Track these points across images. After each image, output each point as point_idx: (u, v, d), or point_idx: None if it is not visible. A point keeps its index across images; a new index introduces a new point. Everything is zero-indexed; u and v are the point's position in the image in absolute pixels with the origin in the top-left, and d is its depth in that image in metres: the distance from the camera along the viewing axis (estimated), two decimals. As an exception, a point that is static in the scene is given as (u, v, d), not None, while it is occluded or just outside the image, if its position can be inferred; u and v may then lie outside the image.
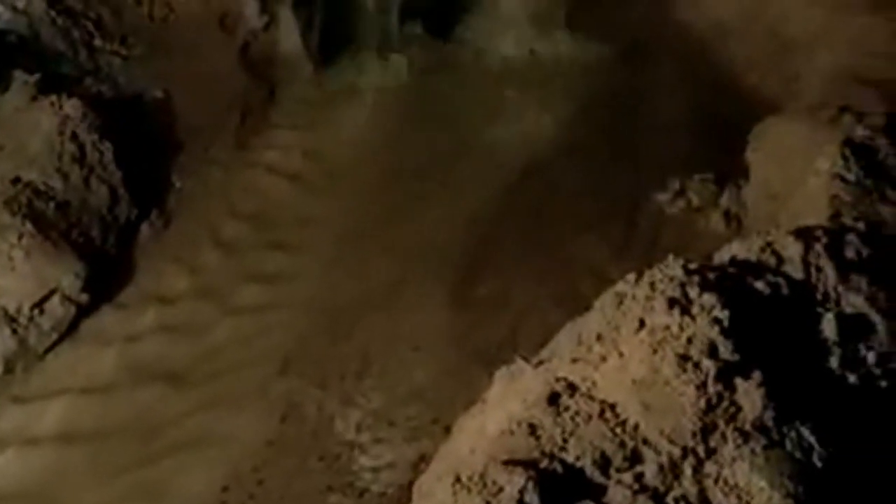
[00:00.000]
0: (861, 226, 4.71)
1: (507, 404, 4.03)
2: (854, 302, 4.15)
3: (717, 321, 3.78)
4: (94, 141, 6.89)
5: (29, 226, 6.40)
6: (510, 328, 6.02)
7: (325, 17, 8.48)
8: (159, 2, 8.25)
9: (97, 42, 7.82)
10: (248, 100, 8.01)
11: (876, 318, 4.11)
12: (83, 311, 6.47)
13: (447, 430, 4.81)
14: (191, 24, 8.22)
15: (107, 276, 6.64)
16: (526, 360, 4.25)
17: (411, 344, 6.08)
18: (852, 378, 3.91)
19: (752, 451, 3.50)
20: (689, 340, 3.74)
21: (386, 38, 8.58)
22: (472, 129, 7.76)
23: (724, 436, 3.55)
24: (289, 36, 8.39)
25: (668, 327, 3.80)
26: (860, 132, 5.38)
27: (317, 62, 8.38)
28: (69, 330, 6.42)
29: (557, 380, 3.92)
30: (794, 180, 5.48)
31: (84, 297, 6.44)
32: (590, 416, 3.72)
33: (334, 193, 7.34)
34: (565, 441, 3.67)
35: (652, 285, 3.99)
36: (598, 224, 6.71)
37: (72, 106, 6.94)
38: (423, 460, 5.17)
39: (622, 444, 3.62)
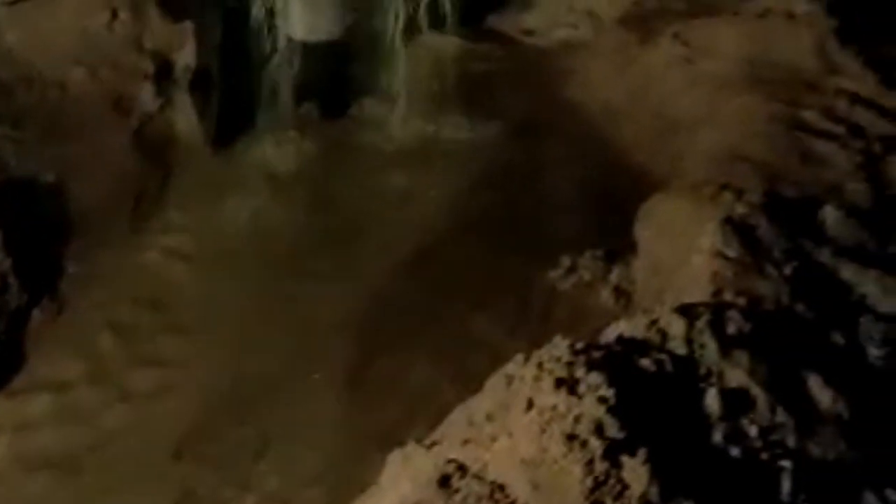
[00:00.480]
0: (741, 301, 4.84)
1: (399, 486, 4.05)
2: (736, 376, 4.25)
3: (603, 400, 3.85)
4: (-17, 227, 6.82)
5: (-83, 314, 6.30)
6: (405, 408, 6.04)
7: (221, 100, 8.49)
8: (52, 84, 8.20)
9: (-12, 126, 7.76)
10: (142, 183, 7.98)
11: (757, 391, 4.21)
12: (-28, 402, 6.36)
13: (343, 513, 4.82)
14: (85, 106, 8.17)
15: (-4, 364, 6.55)
16: (418, 442, 4.28)
17: (307, 426, 6.08)
18: (735, 451, 3.99)
19: (639, 527, 3.56)
20: (577, 419, 3.80)
21: (281, 120, 8.63)
22: (367, 210, 7.81)
23: (611, 513, 3.60)
24: (184, 118, 8.38)
25: (555, 407, 3.86)
26: (740, 210, 5.54)
27: (212, 145, 8.37)
28: (-43, 420, 6.31)
29: (448, 461, 3.95)
30: (678, 257, 5.61)
31: (-28, 388, 6.33)
32: (480, 498, 3.75)
33: (230, 276, 7.32)
34: (456, 523, 3.69)
35: (540, 365, 4.05)
36: (491, 302, 6.79)
37: (-40, 192, 6.87)
38: (319, 543, 5.17)
39: (512, 525, 3.65)
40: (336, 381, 6.35)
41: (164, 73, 8.40)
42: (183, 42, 8.45)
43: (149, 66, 8.38)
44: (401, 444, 4.35)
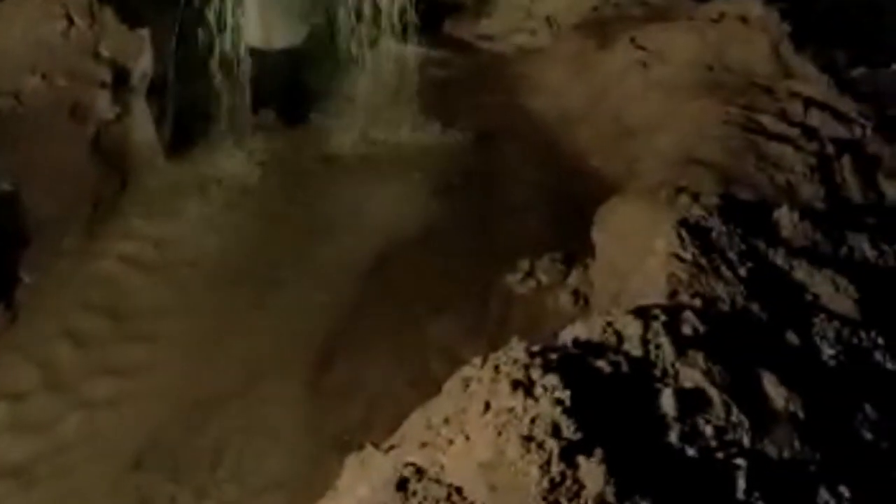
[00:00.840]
0: (697, 303, 4.88)
1: (356, 490, 4.06)
2: (691, 377, 4.28)
3: (559, 401, 3.87)
4: (-63, 237, 6.77)
5: None
6: (365, 413, 6.03)
7: (178, 108, 8.46)
8: (6, 93, 8.14)
9: (-60, 138, 7.70)
10: (99, 191, 7.93)
11: (712, 391, 4.25)
12: (-75, 412, 6.29)
13: (302, 518, 4.81)
14: (40, 115, 8.12)
15: (-50, 374, 6.48)
16: (376, 445, 4.28)
17: (266, 433, 6.05)
18: (691, 451, 4.02)
19: (595, 528, 3.58)
20: (533, 421, 3.82)
21: (239, 128, 8.60)
22: (326, 216, 7.80)
23: (567, 513, 3.62)
24: (141, 126, 8.35)
25: (512, 409, 3.87)
26: (695, 212, 5.58)
27: (169, 152, 8.34)
28: (-89, 432, 6.23)
29: (406, 465, 3.95)
30: (635, 259, 5.64)
31: (-74, 398, 6.27)
32: (437, 500, 3.76)
33: (188, 283, 7.28)
34: (413, 526, 3.70)
35: (496, 368, 4.07)
36: (450, 306, 6.79)
37: (-87, 201, 6.81)
38: (278, 550, 5.15)
39: (469, 527, 3.66)
40: (295, 386, 6.33)
41: (120, 81, 8.36)
42: (140, 50, 8.42)
43: (105, 74, 8.34)
44: (359, 448, 4.36)
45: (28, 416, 6.38)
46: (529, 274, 6.95)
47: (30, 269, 7.29)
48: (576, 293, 6.66)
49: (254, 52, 8.59)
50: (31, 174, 7.74)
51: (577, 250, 6.83)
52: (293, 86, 8.78)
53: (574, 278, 6.76)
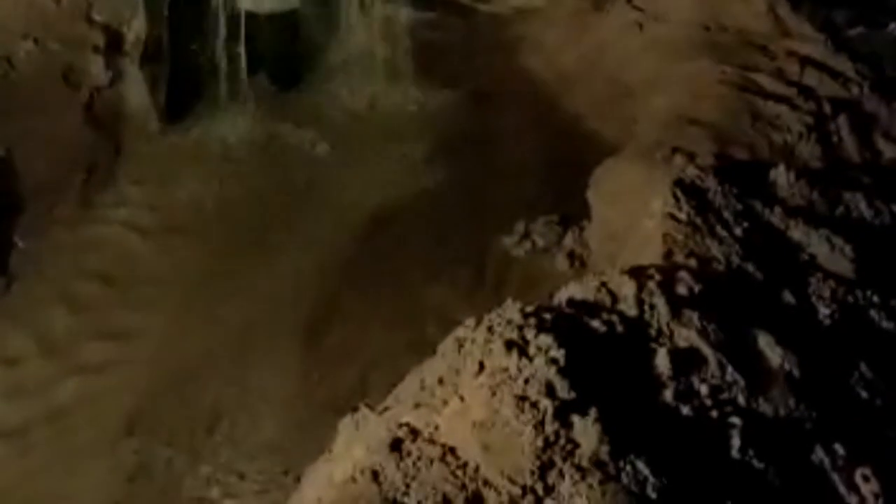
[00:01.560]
0: (692, 263, 4.86)
1: (352, 452, 4.04)
2: (686, 336, 4.26)
3: (553, 361, 3.85)
4: (-69, 203, 6.75)
5: None
6: (360, 377, 6.05)
7: (171, 72, 8.41)
8: (-1, 59, 8.10)
9: (-67, 102, 7.65)
10: (93, 157, 7.90)
11: (707, 351, 4.23)
12: (-79, 378, 6.30)
13: (298, 481, 4.80)
14: (33, 81, 8.06)
15: (-54, 340, 6.48)
16: (370, 407, 4.27)
17: (261, 396, 6.07)
18: (686, 410, 4.01)
19: (590, 486, 3.56)
20: (527, 381, 3.80)
21: (233, 91, 8.56)
22: (320, 180, 7.79)
23: (561, 472, 3.60)
24: (135, 91, 8.31)
25: (506, 369, 3.86)
26: (690, 172, 5.55)
27: (163, 117, 8.31)
28: None
29: (400, 426, 3.94)
30: (631, 220, 5.62)
31: (-78, 364, 6.27)
32: (431, 460, 3.75)
33: (182, 248, 7.28)
34: (407, 486, 3.68)
35: (490, 329, 4.05)
36: (446, 269, 6.79)
37: None
38: (274, 512, 5.17)
39: (463, 487, 3.65)
40: (290, 350, 6.33)
41: (114, 46, 8.30)
42: (133, 14, 8.35)
43: (98, 39, 8.28)
44: (355, 410, 4.35)
45: (24, 381, 6.40)
46: (525, 236, 6.94)
47: (24, 236, 7.28)
48: (571, 255, 6.65)
49: (248, 16, 8.51)
50: (24, 140, 7.70)
51: (572, 212, 6.81)
52: (288, 50, 8.73)
53: (570, 240, 6.75)
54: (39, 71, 8.12)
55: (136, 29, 8.36)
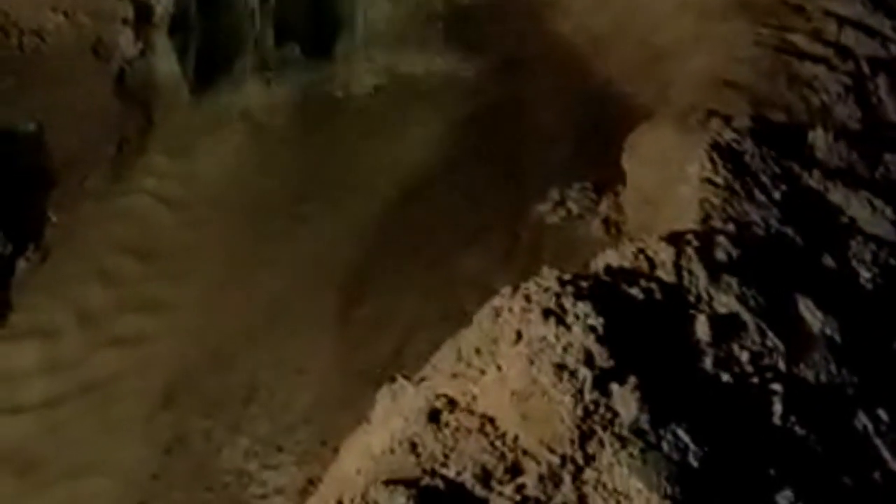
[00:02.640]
0: (730, 228, 4.80)
1: (389, 423, 4.02)
2: (725, 302, 4.22)
3: (591, 329, 3.82)
4: (-36, 178, 6.78)
5: None
6: (395, 346, 6.03)
7: (201, 42, 8.39)
8: (29, 32, 8.11)
9: (-35, 76, 7.67)
10: (124, 128, 7.91)
11: (747, 317, 4.19)
12: (-41, 352, 6.34)
13: (335, 452, 4.80)
14: (63, 54, 8.09)
15: (-19, 314, 6.52)
16: (407, 378, 4.24)
17: (297, 368, 6.07)
18: (726, 377, 3.97)
19: (630, 455, 3.54)
20: (565, 349, 3.77)
21: (263, 61, 8.53)
22: (352, 149, 7.75)
23: (601, 441, 3.58)
24: (165, 62, 8.30)
25: (544, 338, 3.82)
26: (727, 136, 5.48)
27: (194, 87, 8.29)
28: (-55, 371, 6.29)
29: (438, 396, 3.92)
30: (666, 185, 5.56)
31: (-42, 338, 6.31)
32: (470, 431, 3.73)
33: (215, 219, 7.28)
34: (446, 457, 3.66)
35: (527, 297, 4.01)
36: (480, 237, 6.75)
37: (-61, 143, 6.81)
38: (312, 484, 5.16)
39: (502, 457, 3.63)
40: (325, 321, 6.32)
41: (143, 18, 8.30)
42: (161, -14, 8.34)
43: (128, 11, 8.29)
44: (391, 381, 4.33)
45: (60, 354, 6.42)
46: (560, 203, 6.88)
47: (57, 209, 7.30)
48: (607, 221, 6.60)
49: (275, -15, 8.49)
50: (55, 113, 7.72)
51: (607, 178, 6.75)
52: (317, 18, 8.68)
53: (605, 206, 6.69)
54: (70, 44, 8.15)
55: (164, 1, 8.33)
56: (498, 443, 3.67)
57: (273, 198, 7.40)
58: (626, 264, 4.36)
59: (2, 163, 7.13)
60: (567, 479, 3.52)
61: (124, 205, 7.44)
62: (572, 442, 3.59)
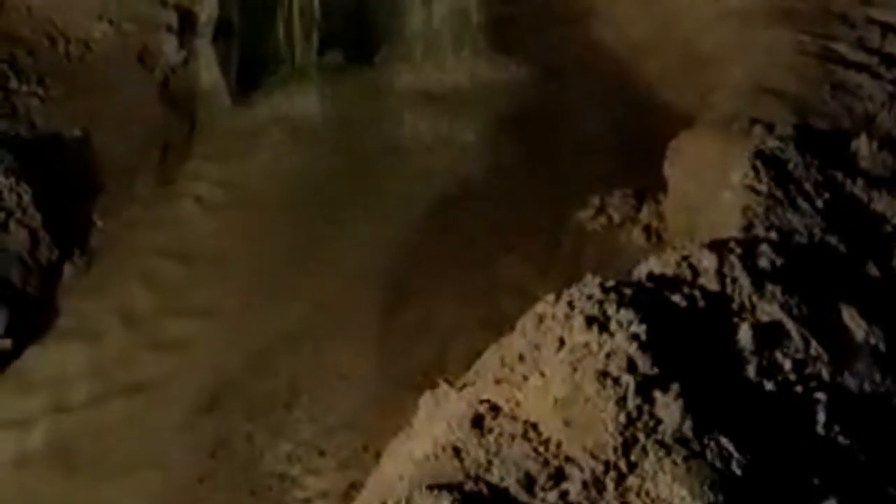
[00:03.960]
0: (773, 235, 4.80)
1: (432, 428, 4.05)
2: (769, 310, 4.23)
3: (634, 336, 3.83)
4: (12, 184, 6.84)
5: (-53, 272, 6.35)
6: (437, 352, 6.05)
7: (244, 50, 8.46)
8: (75, 41, 8.18)
9: (13, 84, 7.74)
10: (168, 135, 7.96)
11: (791, 325, 4.19)
12: (7, 357, 6.40)
13: (377, 457, 4.83)
14: (108, 61, 8.16)
15: (30, 319, 6.58)
16: (450, 383, 4.27)
17: (338, 373, 6.09)
18: (769, 385, 3.98)
19: (673, 463, 3.54)
20: (608, 356, 3.78)
21: (306, 68, 8.58)
22: (393, 155, 7.79)
23: (644, 449, 3.59)
24: (208, 70, 8.36)
25: (587, 345, 3.84)
26: (770, 143, 5.48)
27: (236, 94, 8.35)
28: (-7, 375, 6.37)
29: (481, 402, 3.94)
30: (709, 193, 5.56)
31: (7, 343, 6.37)
32: (513, 437, 3.75)
33: (257, 224, 7.32)
34: (489, 462, 3.69)
35: (570, 304, 4.03)
36: (520, 244, 6.76)
37: (-12, 150, 6.89)
38: (354, 488, 5.19)
39: (546, 463, 3.65)
40: (366, 326, 6.35)
41: (186, 26, 8.36)
42: (204, -7, 8.42)
43: (171, 19, 8.34)
44: (433, 387, 4.35)
45: (104, 357, 6.47)
46: (600, 210, 6.88)
47: (102, 215, 7.35)
48: (648, 229, 6.59)
49: (318, -8, 8.54)
50: (101, 120, 7.79)
51: (648, 185, 6.74)
52: (359, 24, 8.72)
53: (646, 213, 6.67)
54: (115, 52, 8.22)
55: (207, 9, 8.41)
56: (541, 449, 3.69)
57: (315, 203, 7.43)
58: (669, 272, 4.37)
59: (49, 169, 7.20)
60: (610, 486, 3.54)
61: (168, 210, 7.49)
62: (615, 449, 3.60)
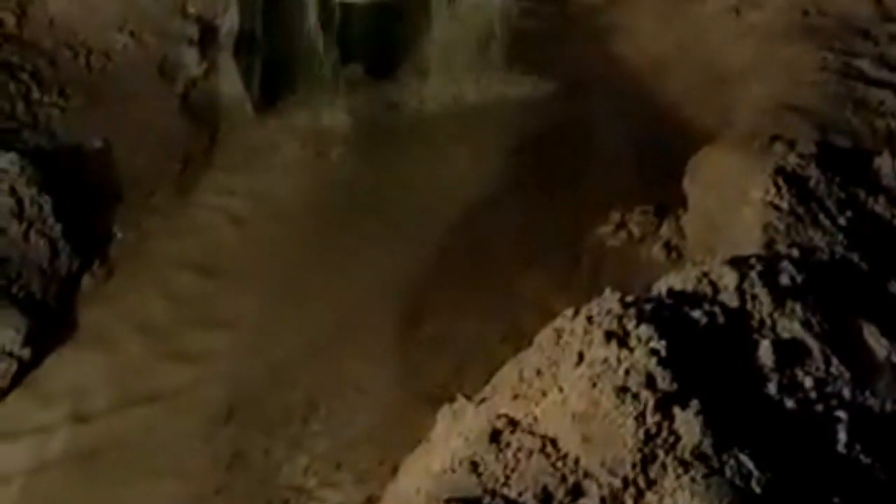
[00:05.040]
0: (794, 253, 4.78)
1: (450, 443, 4.05)
2: (790, 328, 4.21)
3: (654, 352, 3.82)
4: (33, 195, 6.85)
5: (-33, 283, 6.37)
6: (455, 367, 6.04)
7: (265, 62, 8.48)
8: (97, 51, 8.21)
9: (34, 94, 7.77)
10: (189, 147, 7.97)
11: (812, 342, 4.17)
12: (26, 366, 6.41)
13: (394, 471, 4.83)
14: (129, 72, 8.18)
15: (49, 329, 6.58)
16: (468, 397, 4.27)
17: (356, 386, 6.09)
18: (790, 403, 3.95)
19: (693, 480, 3.53)
20: (627, 372, 3.77)
21: (327, 81, 8.59)
22: (414, 169, 7.78)
23: (664, 465, 3.57)
24: (229, 81, 8.38)
25: (606, 360, 3.83)
26: (791, 160, 5.47)
27: (257, 107, 8.36)
28: (12, 385, 6.36)
29: (499, 416, 3.94)
30: (729, 209, 5.55)
31: (26, 352, 6.38)
32: (531, 452, 3.74)
33: (277, 237, 7.32)
34: (507, 477, 3.68)
35: (589, 319, 4.03)
36: (540, 259, 6.75)
37: (9, 160, 6.89)
38: (371, 502, 5.19)
39: (564, 479, 3.63)
40: (385, 340, 6.35)
41: (208, 38, 8.38)
42: (226, 6, 8.43)
43: (193, 31, 8.37)
44: (451, 401, 4.35)
45: (123, 368, 6.48)
46: (620, 226, 6.87)
47: (123, 226, 7.36)
48: (668, 245, 6.57)
49: (342, 6, 8.54)
50: (121, 131, 7.80)
51: (668, 201, 6.72)
52: (380, 39, 8.73)
53: (666, 229, 6.66)
54: (136, 64, 8.23)
55: (229, 21, 8.43)
56: (559, 464, 3.68)
57: (335, 216, 7.43)
58: (690, 287, 4.36)
59: (69, 179, 7.22)
60: (629, 502, 3.53)
61: (189, 221, 7.49)
62: (634, 465, 3.59)
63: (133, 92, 8.07)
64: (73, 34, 8.20)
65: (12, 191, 6.81)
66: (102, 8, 8.29)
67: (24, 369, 6.41)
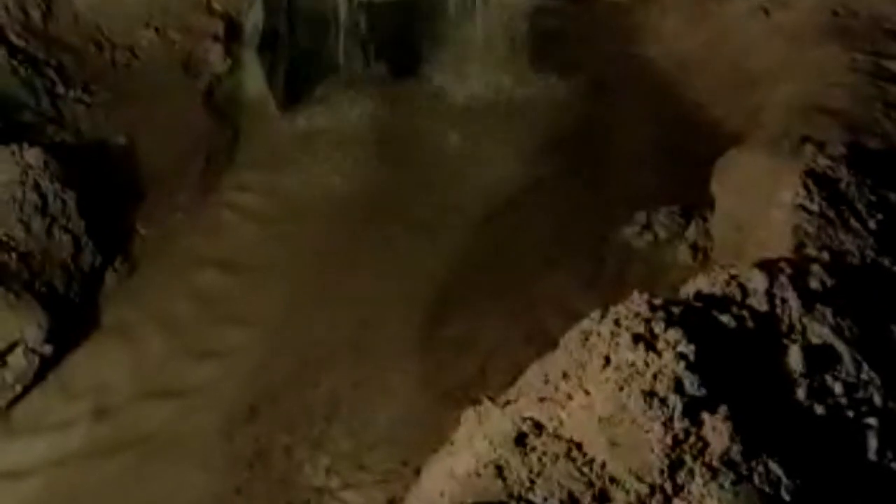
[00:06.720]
0: (825, 256, 4.72)
1: (474, 445, 4.00)
2: (819, 332, 4.14)
3: (682, 356, 3.77)
4: (57, 190, 6.84)
5: (-11, 278, 6.36)
6: (479, 368, 6.01)
7: (289, 60, 8.48)
8: (122, 48, 8.21)
9: (59, 89, 7.77)
10: (212, 144, 7.96)
11: (842, 347, 4.11)
12: (48, 362, 6.41)
13: (417, 472, 4.79)
14: (154, 69, 8.18)
15: (71, 325, 6.57)
16: (492, 400, 4.22)
17: (379, 387, 6.06)
18: (819, 409, 3.89)
19: (721, 486, 3.48)
20: (655, 376, 3.72)
21: (351, 79, 8.58)
22: (438, 169, 7.76)
23: (691, 471, 3.53)
24: (253, 78, 8.38)
25: (633, 364, 3.79)
26: (821, 162, 5.39)
27: (281, 104, 8.36)
28: (35, 381, 6.35)
29: (524, 419, 3.89)
30: (757, 212, 5.48)
31: (48, 348, 6.37)
32: (557, 456, 3.69)
33: (300, 236, 7.30)
34: (532, 482, 3.64)
35: (616, 322, 3.98)
36: (565, 261, 6.71)
37: (33, 155, 6.88)
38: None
39: (590, 484, 3.59)
40: (408, 341, 6.32)
41: (232, 35, 8.39)
42: (251, 3, 8.43)
43: (218, 28, 8.37)
44: (475, 403, 4.30)
45: (145, 365, 6.48)
46: (646, 227, 6.82)
47: (146, 222, 7.36)
48: (695, 246, 6.52)
49: (366, 4, 8.53)
50: (145, 128, 7.80)
51: (695, 203, 6.67)
52: (405, 37, 8.71)
53: (693, 231, 6.60)
54: (160, 60, 8.24)
55: (254, 18, 8.43)
56: (585, 469, 3.63)
57: (357, 216, 7.41)
58: (718, 291, 4.30)
59: (93, 175, 7.21)
60: (656, 508, 3.48)
61: (211, 218, 7.48)
62: (661, 471, 3.54)
63: (157, 88, 8.07)
64: (98, 30, 8.20)
65: (36, 186, 6.79)
66: (128, 4, 8.30)
67: (47, 365, 6.41)
